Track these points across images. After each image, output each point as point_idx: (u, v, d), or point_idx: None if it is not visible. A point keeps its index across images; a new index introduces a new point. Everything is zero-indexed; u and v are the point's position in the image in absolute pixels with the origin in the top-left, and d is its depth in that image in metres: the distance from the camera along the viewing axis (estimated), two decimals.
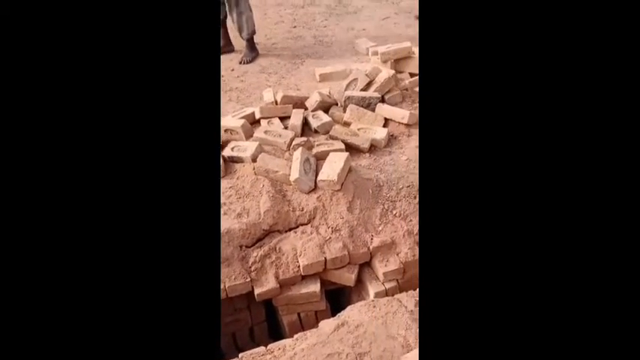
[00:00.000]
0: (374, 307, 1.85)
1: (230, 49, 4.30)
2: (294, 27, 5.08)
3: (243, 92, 3.70)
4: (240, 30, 4.18)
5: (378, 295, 2.21)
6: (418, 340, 0.95)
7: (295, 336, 1.81)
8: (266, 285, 2.19)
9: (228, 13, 4.14)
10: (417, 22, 4.84)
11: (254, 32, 4.26)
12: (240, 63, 4.14)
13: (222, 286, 2.15)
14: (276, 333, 2.45)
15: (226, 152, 2.65)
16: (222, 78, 3.93)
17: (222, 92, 3.66)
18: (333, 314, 2.10)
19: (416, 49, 3.54)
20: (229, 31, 4.38)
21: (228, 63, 4.18)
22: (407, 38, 4.14)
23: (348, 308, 1.88)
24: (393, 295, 1.99)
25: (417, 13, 5.34)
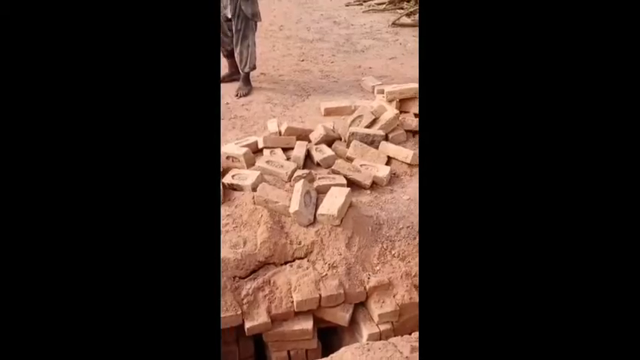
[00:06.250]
0: (368, 350, 1.79)
1: (238, 77, 4.34)
2: (302, 60, 5.15)
3: (247, 121, 3.71)
4: (243, 62, 4.22)
5: (371, 337, 2.14)
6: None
7: None
8: (257, 319, 2.12)
9: (235, 44, 4.20)
10: None
11: (255, 67, 4.32)
12: (237, 96, 4.15)
13: None
14: None
15: (226, 179, 2.63)
16: (227, 105, 3.94)
17: (226, 119, 3.67)
18: (324, 354, 2.03)
19: None
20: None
21: (234, 90, 4.21)
22: (412, 79, 4.20)
23: (342, 350, 1.82)
24: (387, 338, 1.92)
25: None
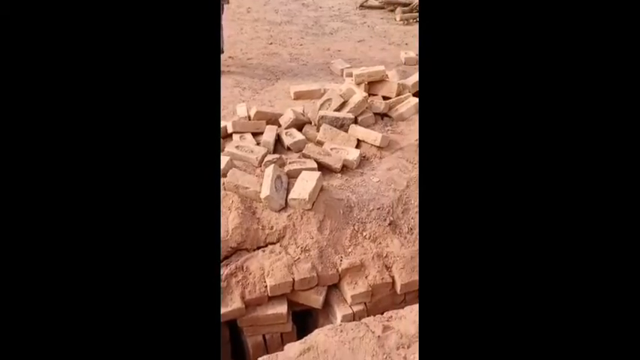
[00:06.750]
0: (341, 331, 1.82)
1: None
2: (270, 44, 5.09)
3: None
4: None
5: (345, 318, 2.18)
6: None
7: (259, 359, 1.75)
8: (231, 305, 2.13)
9: None
10: (390, 47, 4.93)
11: (223, 51, 4.27)
12: None
13: None
14: (239, 354, 2.37)
15: None
16: None
17: None
18: (299, 336, 2.05)
19: (389, 73, 3.60)
20: None
21: None
22: (381, 62, 4.21)
23: (315, 332, 1.84)
24: (360, 319, 1.96)
25: None
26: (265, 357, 1.77)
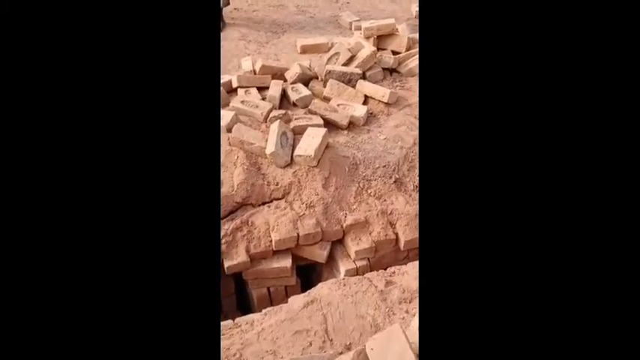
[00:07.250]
0: (344, 285, 1.85)
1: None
2: None
3: (221, 59, 3.58)
4: None
5: (348, 272, 2.21)
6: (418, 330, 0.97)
7: (264, 310, 1.80)
8: (236, 258, 2.16)
9: None
10: None
11: (228, 2, 4.15)
12: None
13: None
14: (244, 306, 2.43)
15: None
16: None
17: None
18: (303, 290, 2.10)
19: (400, 27, 3.49)
20: None
21: None
22: (391, 15, 4.08)
23: (319, 285, 1.88)
24: (363, 274, 1.99)
25: None
26: (270, 308, 1.81)
